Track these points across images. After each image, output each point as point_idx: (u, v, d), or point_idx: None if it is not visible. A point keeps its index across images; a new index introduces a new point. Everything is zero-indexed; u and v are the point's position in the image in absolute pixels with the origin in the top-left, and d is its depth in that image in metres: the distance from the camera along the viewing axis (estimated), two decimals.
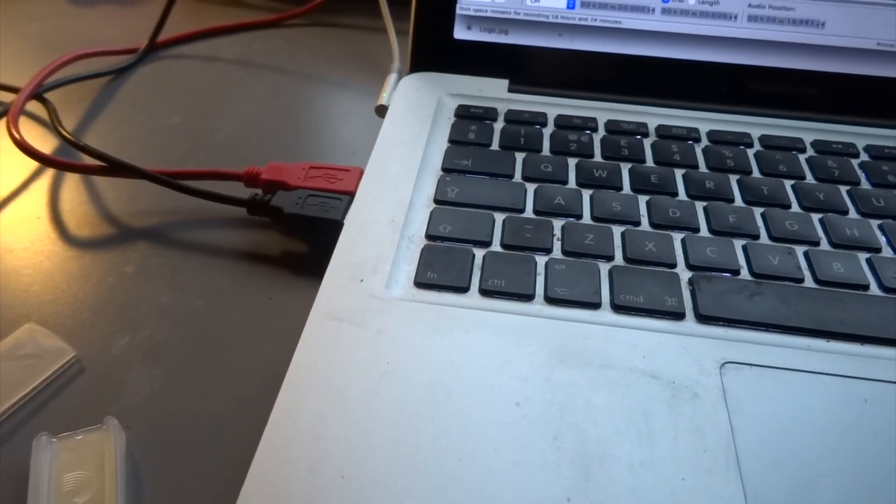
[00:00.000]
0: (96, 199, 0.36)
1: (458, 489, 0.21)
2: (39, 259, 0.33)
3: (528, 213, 0.32)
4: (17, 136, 0.35)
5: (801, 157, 0.35)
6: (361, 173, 0.34)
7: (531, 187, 0.33)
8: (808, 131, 0.37)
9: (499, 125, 0.37)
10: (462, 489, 0.21)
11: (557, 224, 0.31)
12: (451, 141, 0.36)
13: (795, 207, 0.33)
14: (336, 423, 0.23)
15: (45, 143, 0.40)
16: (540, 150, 0.36)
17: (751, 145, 0.36)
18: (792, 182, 0.34)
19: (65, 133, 0.37)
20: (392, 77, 0.41)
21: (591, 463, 0.22)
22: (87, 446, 0.25)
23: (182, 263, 0.32)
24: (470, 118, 0.38)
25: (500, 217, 0.31)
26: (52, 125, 0.38)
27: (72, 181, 0.37)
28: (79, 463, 0.24)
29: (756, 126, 0.38)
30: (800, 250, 0.30)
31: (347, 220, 0.31)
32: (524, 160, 0.35)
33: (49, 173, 0.38)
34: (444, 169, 0.34)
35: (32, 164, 0.38)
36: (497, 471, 0.22)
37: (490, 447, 0.22)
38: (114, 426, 0.25)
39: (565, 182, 0.34)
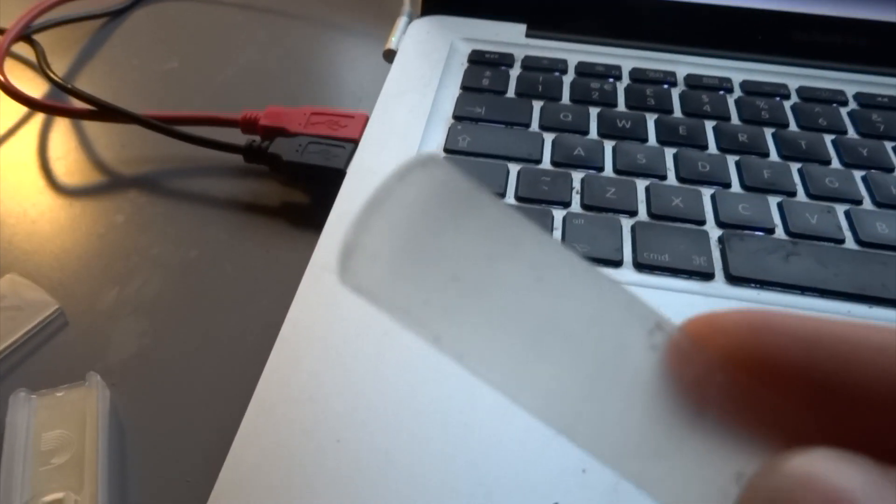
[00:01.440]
0: (87, 146, 0.34)
1: (464, 458, 0.20)
2: (24, 208, 0.31)
3: (546, 164, 0.29)
4: (2, 79, 0.33)
5: (843, 111, 0.33)
6: (367, 120, 0.31)
7: (549, 137, 0.31)
8: (851, 83, 0.35)
9: (515, 72, 0.35)
10: (469, 458, 0.19)
11: (577, 176, 0.29)
12: (463, 87, 0.34)
13: (836, 164, 0.30)
14: (333, 384, 0.21)
15: (33, 87, 0.38)
16: (559, 99, 0.33)
17: (788, 97, 0.34)
18: (832, 137, 0.31)
19: (53, 76, 0.35)
20: (402, 20, 0.38)
21: None
22: (67, 404, 0.23)
23: (175, 213, 0.30)
24: (484, 64, 0.35)
25: (514, 168, 0.29)
26: (41, 67, 0.36)
27: (61, 127, 0.35)
28: (59, 421, 0.23)
29: (793, 77, 0.35)
30: (840, 209, 0.28)
31: (350, 169, 0.29)
32: (542, 108, 0.32)
33: (37, 118, 0.36)
34: (456, 117, 0.32)
35: (20, 109, 0.35)
36: (507, 439, 0.20)
37: (500, 414, 0.20)
38: (97, 383, 0.23)
39: (586, 132, 0.31)
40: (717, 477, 0.10)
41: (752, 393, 0.10)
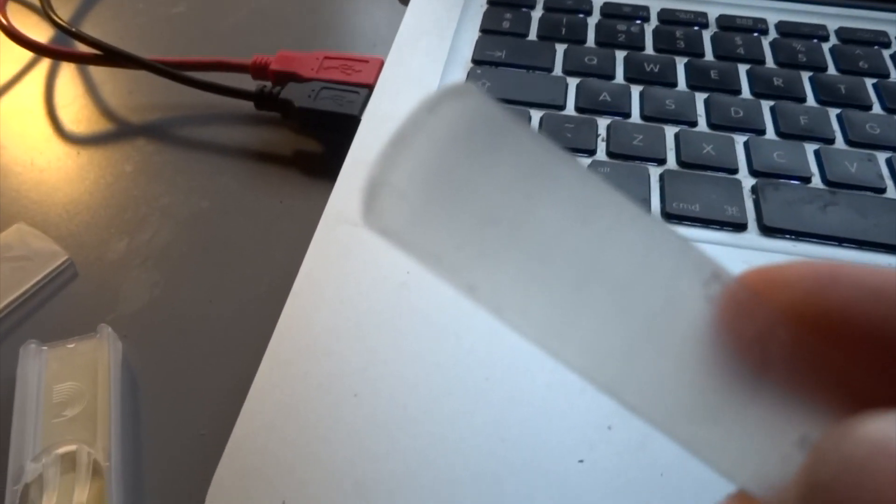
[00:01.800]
0: (93, 92, 0.33)
1: (485, 413, 0.19)
2: (31, 156, 0.30)
3: (569, 110, 0.28)
4: (4, 22, 0.32)
5: (886, 53, 0.31)
6: (382, 64, 0.30)
7: (573, 82, 0.29)
8: (894, 24, 0.32)
9: (537, 13, 0.33)
10: (490, 413, 0.19)
11: (602, 123, 0.27)
12: (482, 30, 0.32)
13: (877, 108, 0.28)
14: (349, 338, 0.21)
15: (37, 31, 0.36)
16: (584, 42, 0.31)
17: (826, 39, 0.32)
18: (874, 80, 0.30)
19: (58, 19, 0.33)
20: None
21: None
22: (79, 355, 0.23)
23: (185, 162, 0.30)
24: (505, 5, 0.33)
25: (536, 114, 0.28)
26: (45, 11, 0.34)
27: (67, 73, 0.34)
28: (70, 373, 0.22)
29: (832, 17, 0.33)
30: (882, 156, 0.26)
31: (365, 116, 0.28)
32: (565, 52, 0.31)
33: (43, 64, 0.35)
34: (475, 61, 0.30)
35: (24, 55, 0.34)
36: (530, 393, 0.19)
37: (522, 368, 0.20)
38: (108, 335, 0.23)
39: (612, 77, 0.30)
40: (778, 442, 0.09)
41: (818, 352, 0.09)
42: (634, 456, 0.18)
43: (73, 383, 0.22)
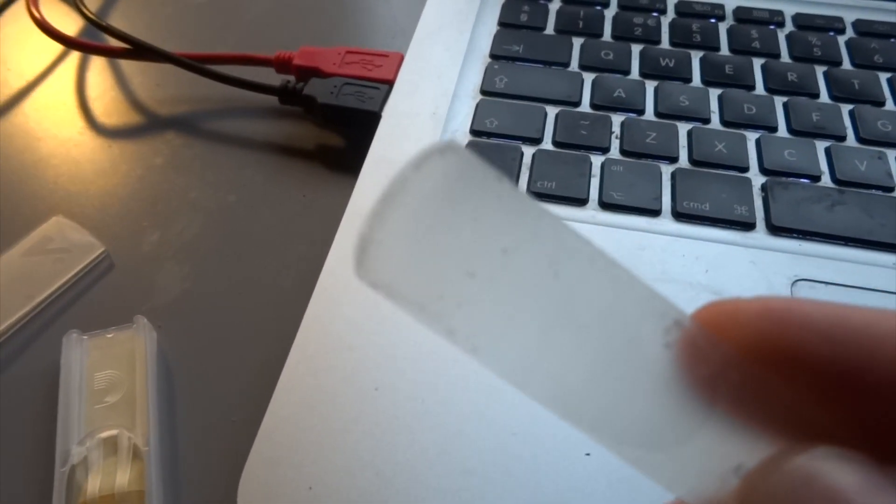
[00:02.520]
0: (123, 85, 0.34)
1: (500, 405, 0.20)
2: (67, 148, 0.31)
3: (585, 106, 0.29)
4: (37, 15, 0.33)
5: None
6: (401, 59, 0.31)
7: (589, 77, 0.30)
8: None
9: (555, 5, 0.33)
10: (504, 405, 0.20)
11: (616, 120, 0.28)
12: (500, 24, 0.33)
13: (890, 105, 0.29)
14: (371, 332, 0.22)
15: (67, 23, 0.37)
16: (600, 35, 0.32)
17: (842, 31, 0.32)
18: (888, 75, 0.30)
19: (88, 13, 0.34)
20: None
21: None
22: (117, 345, 0.24)
23: (212, 156, 0.31)
24: None
25: (552, 111, 0.28)
26: (75, 4, 0.35)
27: (97, 65, 0.35)
28: (109, 362, 0.24)
29: (849, 9, 0.33)
30: (892, 154, 0.27)
31: (385, 112, 0.28)
32: (582, 46, 0.31)
33: (73, 57, 0.36)
34: (493, 55, 0.31)
35: (56, 47, 0.35)
36: None
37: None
38: (144, 325, 0.24)
39: (627, 72, 0.30)
40: (717, 467, 0.10)
41: (766, 387, 0.10)
42: None
43: (112, 371, 0.24)
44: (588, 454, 0.19)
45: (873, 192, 0.25)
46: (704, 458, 0.10)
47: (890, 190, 0.26)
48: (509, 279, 0.10)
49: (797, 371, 0.10)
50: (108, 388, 0.23)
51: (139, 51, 0.32)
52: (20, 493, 0.21)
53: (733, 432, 0.10)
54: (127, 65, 0.35)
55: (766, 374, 0.10)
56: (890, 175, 0.26)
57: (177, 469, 0.22)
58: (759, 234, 0.24)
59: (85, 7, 0.34)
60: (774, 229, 0.24)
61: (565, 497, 0.18)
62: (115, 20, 0.38)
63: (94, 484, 0.21)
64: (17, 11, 0.37)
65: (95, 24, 0.33)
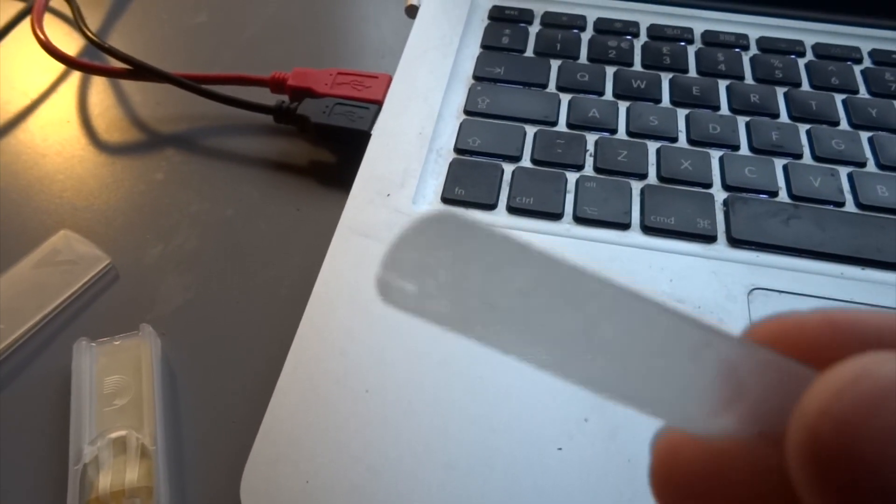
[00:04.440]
0: (124, 103, 0.36)
1: (480, 405, 0.22)
2: (71, 164, 0.33)
3: (561, 126, 0.31)
4: (42, 37, 0.35)
5: (857, 69, 0.33)
6: (390, 81, 0.33)
7: (566, 98, 0.32)
8: (868, 39, 0.35)
9: (534, 29, 0.35)
10: (484, 405, 0.22)
11: (591, 139, 0.30)
12: (483, 46, 0.35)
13: (844, 125, 0.31)
14: (362, 338, 0.24)
15: (70, 42, 0.39)
16: (577, 58, 0.34)
17: (803, 54, 0.34)
18: (843, 96, 0.32)
19: (90, 34, 0.36)
20: None
21: None
22: (124, 351, 0.26)
23: (210, 172, 0.32)
24: (504, 21, 0.36)
25: (531, 130, 0.30)
26: (77, 25, 0.37)
27: (99, 83, 0.37)
28: (117, 367, 0.25)
29: (810, 33, 0.35)
30: (844, 171, 0.29)
31: (375, 131, 0.30)
32: (560, 68, 0.33)
33: (75, 75, 0.37)
34: (476, 77, 0.33)
35: (59, 66, 0.37)
36: (518, 389, 0.22)
37: (510, 367, 0.23)
38: (149, 333, 0.26)
39: (602, 93, 0.32)
40: None
41: None
42: (606, 445, 0.21)
43: (120, 376, 0.25)
44: (560, 448, 0.21)
45: (826, 206, 0.28)
46: None
47: (841, 205, 0.28)
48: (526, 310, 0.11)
49: None
50: (116, 391, 0.25)
51: (140, 71, 0.34)
52: (38, 489, 0.23)
53: None
54: (127, 84, 0.37)
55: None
56: (841, 191, 0.28)
57: (182, 466, 0.24)
58: (720, 247, 0.26)
59: (87, 29, 0.36)
60: (734, 242, 0.26)
61: (539, 486, 0.20)
62: (115, 38, 0.40)
63: (105, 481, 0.23)
64: (21, 32, 0.39)
65: (98, 45, 0.35)
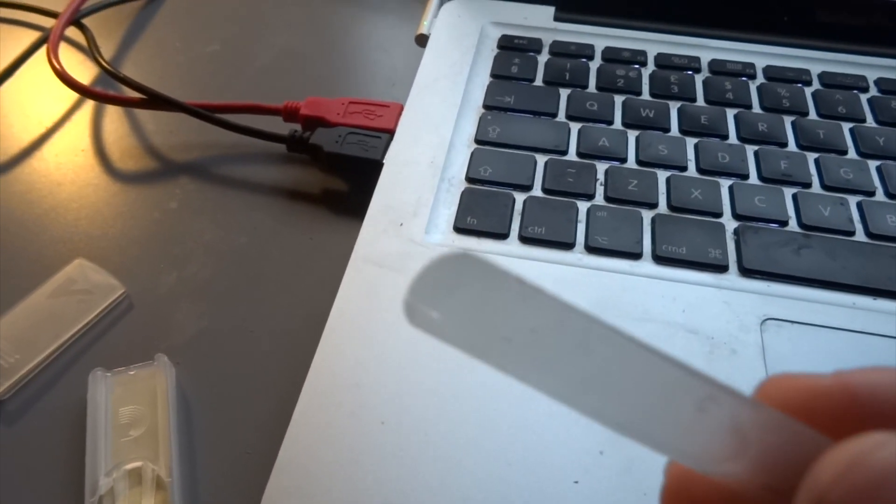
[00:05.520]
0: (138, 131, 0.36)
1: (496, 437, 0.22)
2: (86, 192, 0.33)
3: (572, 155, 0.31)
4: (57, 66, 0.35)
5: (864, 98, 0.34)
6: (401, 110, 0.33)
7: (575, 127, 0.32)
8: (874, 68, 0.35)
9: (543, 58, 0.36)
10: (500, 437, 0.22)
11: (601, 168, 0.30)
12: (493, 75, 0.35)
13: (852, 153, 0.31)
14: (376, 370, 0.24)
15: (84, 70, 0.40)
16: (586, 87, 0.34)
17: (809, 83, 0.34)
18: (851, 125, 0.32)
19: (104, 64, 0.36)
20: (433, 2, 0.39)
21: None
22: (139, 381, 0.26)
23: (224, 200, 0.33)
24: (513, 50, 0.36)
25: (542, 159, 0.31)
26: (92, 54, 0.38)
27: (113, 111, 0.37)
28: (132, 397, 0.26)
29: (817, 62, 0.36)
30: (853, 200, 0.29)
31: (387, 160, 0.31)
32: (569, 97, 0.34)
33: (90, 103, 0.38)
34: (486, 106, 0.33)
35: (73, 94, 0.37)
36: (534, 422, 0.22)
37: (526, 399, 0.23)
38: (164, 363, 0.26)
39: (611, 122, 0.33)
40: None
41: None
42: (621, 478, 0.21)
43: (135, 406, 0.25)
44: (576, 482, 0.21)
45: (836, 236, 0.28)
46: None
47: (851, 234, 0.28)
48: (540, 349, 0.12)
49: None
50: (131, 422, 0.25)
51: (154, 100, 0.34)
52: None
53: None
54: (141, 112, 0.37)
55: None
56: (851, 220, 0.28)
57: (198, 499, 0.24)
58: (732, 276, 0.27)
59: (102, 58, 0.37)
60: (746, 272, 0.27)
61: None
62: (129, 66, 0.40)
63: None
64: (36, 61, 0.39)
65: (112, 75, 0.35)
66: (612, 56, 0.36)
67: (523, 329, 0.12)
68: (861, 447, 0.10)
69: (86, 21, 0.41)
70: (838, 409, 0.11)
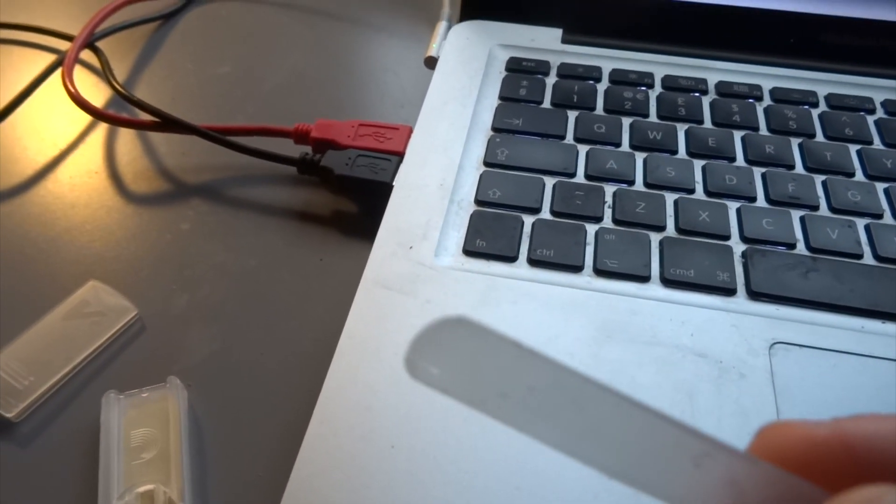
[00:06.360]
0: (150, 154, 0.37)
1: (505, 462, 0.22)
2: (99, 214, 0.34)
3: (580, 177, 0.31)
4: (72, 90, 0.36)
5: (870, 119, 0.34)
6: (410, 132, 0.33)
7: (583, 149, 0.32)
8: (880, 90, 0.35)
9: (551, 80, 0.36)
10: (508, 462, 0.22)
11: (609, 190, 0.31)
12: (501, 98, 0.35)
13: (860, 175, 0.31)
14: (386, 393, 0.24)
15: (98, 92, 0.40)
16: (593, 109, 0.35)
17: (816, 105, 0.35)
18: (858, 147, 0.32)
19: (118, 87, 0.37)
20: (442, 25, 0.40)
21: None
22: (151, 403, 0.26)
23: (235, 222, 0.33)
24: (521, 72, 0.37)
25: (550, 181, 0.31)
26: (106, 77, 0.38)
27: (126, 134, 0.38)
28: (145, 420, 0.26)
29: (823, 84, 0.36)
30: (861, 223, 0.29)
31: (397, 183, 0.31)
32: (577, 119, 0.34)
33: (103, 126, 0.38)
34: (495, 128, 0.34)
35: (87, 117, 0.38)
36: (541, 451, 0.22)
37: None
38: (176, 385, 0.26)
39: (619, 144, 0.33)
40: None
41: None
42: None
43: (147, 429, 0.26)
44: None
45: (844, 259, 0.28)
46: None
47: (859, 257, 0.28)
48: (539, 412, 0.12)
49: None
50: (143, 444, 0.25)
51: (166, 123, 0.35)
52: None
53: None
54: (154, 134, 0.38)
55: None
56: (859, 243, 0.28)
57: None
58: (740, 300, 0.27)
59: (116, 81, 0.37)
60: (754, 295, 0.27)
61: None
62: (142, 87, 0.41)
63: None
64: (51, 84, 0.40)
65: (126, 98, 0.36)
66: (619, 78, 0.36)
67: (520, 387, 0.13)
68: (857, 501, 0.10)
69: (99, 44, 0.41)
70: (835, 461, 0.11)
